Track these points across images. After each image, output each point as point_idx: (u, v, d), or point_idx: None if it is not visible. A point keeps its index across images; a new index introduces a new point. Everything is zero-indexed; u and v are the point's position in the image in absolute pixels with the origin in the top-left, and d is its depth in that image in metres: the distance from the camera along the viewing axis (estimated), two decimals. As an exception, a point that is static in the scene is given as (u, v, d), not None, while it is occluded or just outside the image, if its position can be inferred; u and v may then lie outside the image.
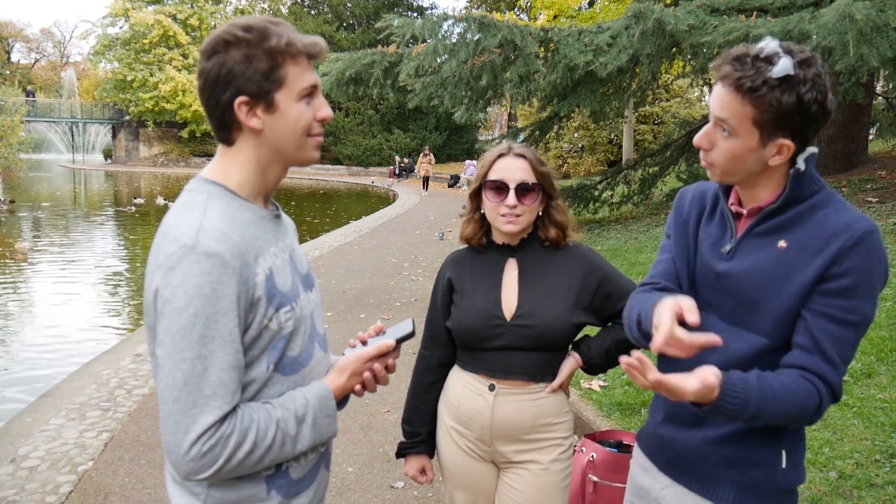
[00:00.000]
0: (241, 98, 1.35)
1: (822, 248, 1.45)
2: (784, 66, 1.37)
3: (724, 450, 1.58)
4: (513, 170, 2.04)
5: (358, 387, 1.56)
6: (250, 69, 1.34)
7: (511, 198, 2.01)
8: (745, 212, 1.57)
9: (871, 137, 13.83)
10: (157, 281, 1.30)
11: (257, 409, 1.36)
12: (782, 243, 1.50)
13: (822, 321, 1.45)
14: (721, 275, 1.58)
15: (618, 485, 2.37)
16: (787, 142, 1.44)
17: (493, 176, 2.05)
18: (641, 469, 1.79)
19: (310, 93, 1.41)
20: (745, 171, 1.49)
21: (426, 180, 27.46)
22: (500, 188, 2.03)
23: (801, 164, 1.48)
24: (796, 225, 1.50)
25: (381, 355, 1.56)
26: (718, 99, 1.45)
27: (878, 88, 13.32)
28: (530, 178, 2.04)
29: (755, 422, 1.47)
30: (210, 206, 1.36)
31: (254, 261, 1.35)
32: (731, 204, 1.61)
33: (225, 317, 1.29)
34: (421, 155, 28.20)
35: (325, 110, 1.44)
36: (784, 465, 1.55)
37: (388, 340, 1.56)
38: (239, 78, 1.34)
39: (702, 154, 1.53)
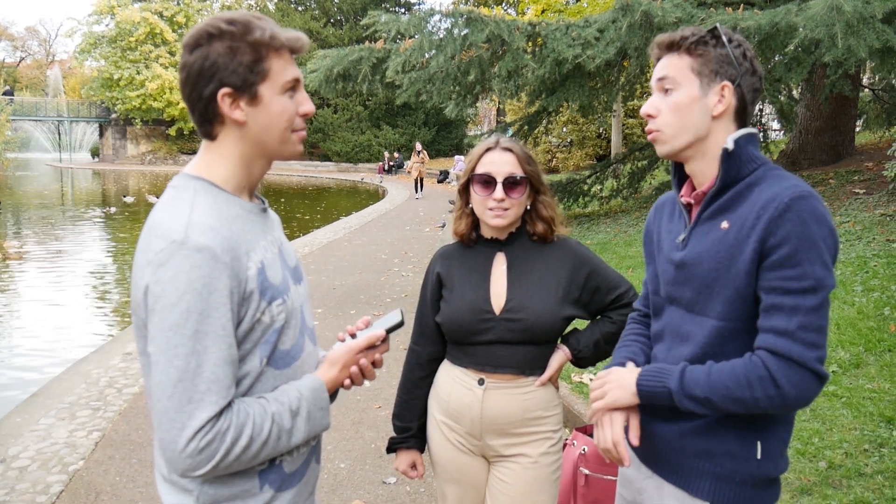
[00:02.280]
0: (225, 90, 1.35)
1: (755, 222, 1.46)
2: (710, 24, 1.54)
3: (698, 441, 1.59)
4: (500, 163, 2.04)
5: (347, 381, 1.56)
6: (234, 61, 1.34)
7: (499, 191, 2.01)
8: (693, 201, 1.62)
9: (857, 129, 13.92)
10: (146, 278, 1.29)
11: (252, 404, 1.36)
12: (724, 224, 1.53)
13: (774, 296, 1.44)
14: (678, 264, 1.62)
15: (609, 477, 2.38)
16: (727, 83, 1.53)
17: (480, 170, 2.06)
18: None
19: (292, 86, 1.41)
20: (692, 126, 1.55)
21: (419, 181, 23.05)
22: (488, 182, 2.03)
23: (729, 144, 1.53)
24: (736, 204, 1.53)
25: (372, 346, 1.56)
26: (659, 65, 1.59)
27: (865, 80, 13.38)
28: (518, 172, 2.04)
29: (696, 400, 1.49)
30: (197, 202, 1.35)
31: (245, 255, 1.35)
32: (682, 196, 1.66)
33: (217, 311, 1.28)
34: (413, 153, 24.11)
35: (308, 105, 1.44)
36: (759, 456, 1.55)
37: (377, 331, 1.56)
38: (223, 70, 1.34)
39: (649, 124, 1.61)
